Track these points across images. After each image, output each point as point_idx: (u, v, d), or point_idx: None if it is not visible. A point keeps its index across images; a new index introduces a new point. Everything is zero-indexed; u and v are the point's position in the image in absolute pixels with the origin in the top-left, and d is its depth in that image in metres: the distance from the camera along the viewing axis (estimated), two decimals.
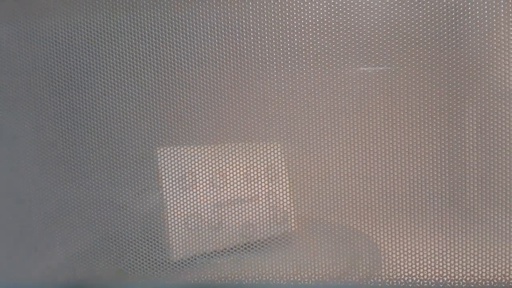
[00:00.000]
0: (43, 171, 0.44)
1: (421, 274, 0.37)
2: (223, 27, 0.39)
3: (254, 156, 0.40)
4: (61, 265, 0.43)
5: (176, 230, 0.41)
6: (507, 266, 0.36)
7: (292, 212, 0.40)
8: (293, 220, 0.41)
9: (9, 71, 0.43)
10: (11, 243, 0.45)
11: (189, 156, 0.41)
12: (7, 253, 0.45)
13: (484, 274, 0.36)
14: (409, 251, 0.38)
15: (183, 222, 0.41)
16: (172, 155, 0.41)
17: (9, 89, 0.43)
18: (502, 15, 0.35)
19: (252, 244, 0.40)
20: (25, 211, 0.44)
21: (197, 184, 0.41)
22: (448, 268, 0.37)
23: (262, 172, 0.40)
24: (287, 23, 0.38)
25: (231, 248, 0.41)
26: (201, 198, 0.41)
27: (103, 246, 0.42)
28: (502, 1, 0.35)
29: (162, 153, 0.41)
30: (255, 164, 0.40)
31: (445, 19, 0.36)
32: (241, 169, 0.40)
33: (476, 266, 0.37)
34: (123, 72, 0.41)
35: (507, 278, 0.36)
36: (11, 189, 0.45)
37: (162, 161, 0.41)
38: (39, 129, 0.43)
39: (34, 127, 0.44)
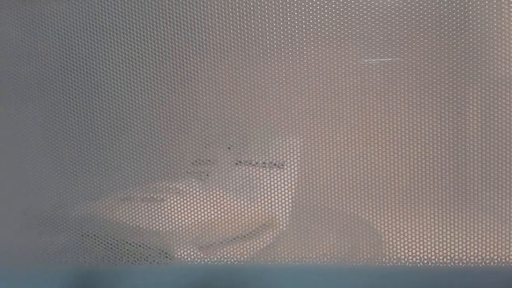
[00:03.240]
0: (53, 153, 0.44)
1: (421, 256, 0.38)
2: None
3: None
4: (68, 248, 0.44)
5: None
6: (506, 247, 0.37)
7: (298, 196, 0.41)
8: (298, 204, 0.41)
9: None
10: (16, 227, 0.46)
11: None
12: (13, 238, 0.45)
13: (484, 255, 0.37)
14: (410, 234, 0.39)
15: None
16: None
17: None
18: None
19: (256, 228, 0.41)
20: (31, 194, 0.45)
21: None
22: (448, 250, 0.38)
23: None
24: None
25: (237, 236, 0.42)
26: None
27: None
28: None
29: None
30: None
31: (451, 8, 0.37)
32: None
33: (475, 248, 0.38)
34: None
35: (507, 259, 0.37)
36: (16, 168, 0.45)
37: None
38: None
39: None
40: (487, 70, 0.37)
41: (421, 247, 0.38)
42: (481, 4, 0.36)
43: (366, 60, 0.39)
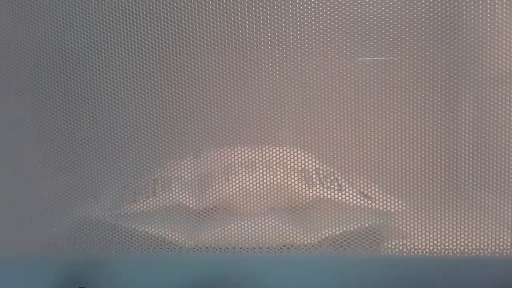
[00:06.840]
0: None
1: (417, 245, 0.40)
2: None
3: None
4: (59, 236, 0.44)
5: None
6: (498, 238, 0.39)
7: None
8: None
9: None
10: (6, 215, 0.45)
11: None
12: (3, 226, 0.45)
13: (478, 245, 0.39)
14: (407, 224, 0.40)
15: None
16: None
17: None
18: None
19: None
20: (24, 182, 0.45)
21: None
22: (444, 239, 0.39)
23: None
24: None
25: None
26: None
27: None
28: None
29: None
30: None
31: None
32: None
33: (470, 238, 0.39)
34: None
35: (500, 249, 0.39)
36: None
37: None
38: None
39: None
40: (480, 69, 0.38)
41: (415, 238, 0.40)
42: (474, 2, 0.37)
43: (360, 59, 0.40)
